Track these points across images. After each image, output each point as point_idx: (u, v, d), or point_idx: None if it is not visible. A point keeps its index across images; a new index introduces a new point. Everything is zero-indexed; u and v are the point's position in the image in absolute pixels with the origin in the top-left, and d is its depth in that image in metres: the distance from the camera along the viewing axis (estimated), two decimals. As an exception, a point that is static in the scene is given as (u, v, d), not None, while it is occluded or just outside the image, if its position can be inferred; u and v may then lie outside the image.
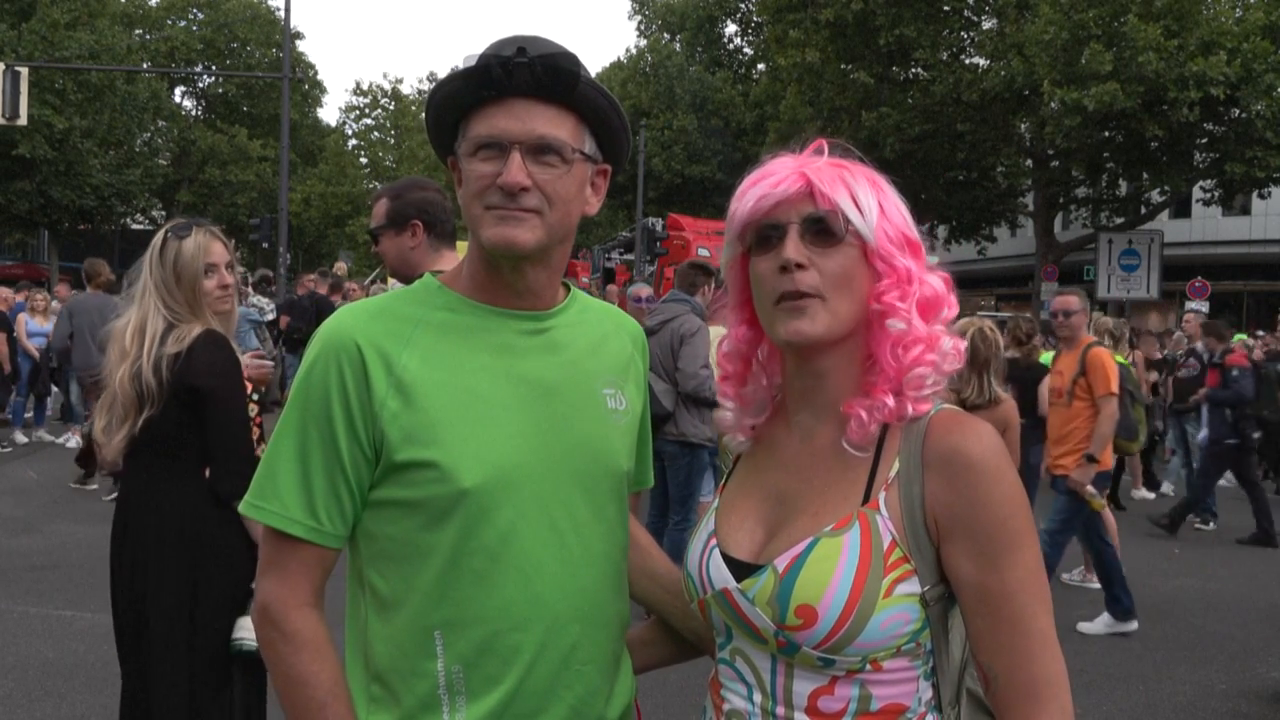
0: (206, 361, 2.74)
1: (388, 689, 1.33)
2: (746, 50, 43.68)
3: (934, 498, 1.18)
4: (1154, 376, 11.04)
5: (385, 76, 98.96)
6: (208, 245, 2.86)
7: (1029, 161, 23.81)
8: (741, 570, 1.25)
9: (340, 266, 17.24)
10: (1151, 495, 10.87)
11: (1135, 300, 21.21)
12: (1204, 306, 19.34)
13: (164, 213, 38.29)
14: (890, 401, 1.22)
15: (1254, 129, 18.41)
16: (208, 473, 2.78)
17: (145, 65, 36.34)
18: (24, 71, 19.02)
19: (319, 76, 50.26)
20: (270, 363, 3.65)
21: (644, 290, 7.59)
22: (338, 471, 1.31)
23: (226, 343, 2.85)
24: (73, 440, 10.85)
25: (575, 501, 1.38)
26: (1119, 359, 7.75)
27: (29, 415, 12.14)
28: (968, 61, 22.59)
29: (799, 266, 1.20)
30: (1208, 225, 29.60)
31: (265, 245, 22.29)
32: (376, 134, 52.92)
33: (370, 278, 19.42)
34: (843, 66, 23.07)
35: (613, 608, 1.43)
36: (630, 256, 19.81)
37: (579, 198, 1.37)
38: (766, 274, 1.24)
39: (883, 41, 21.20)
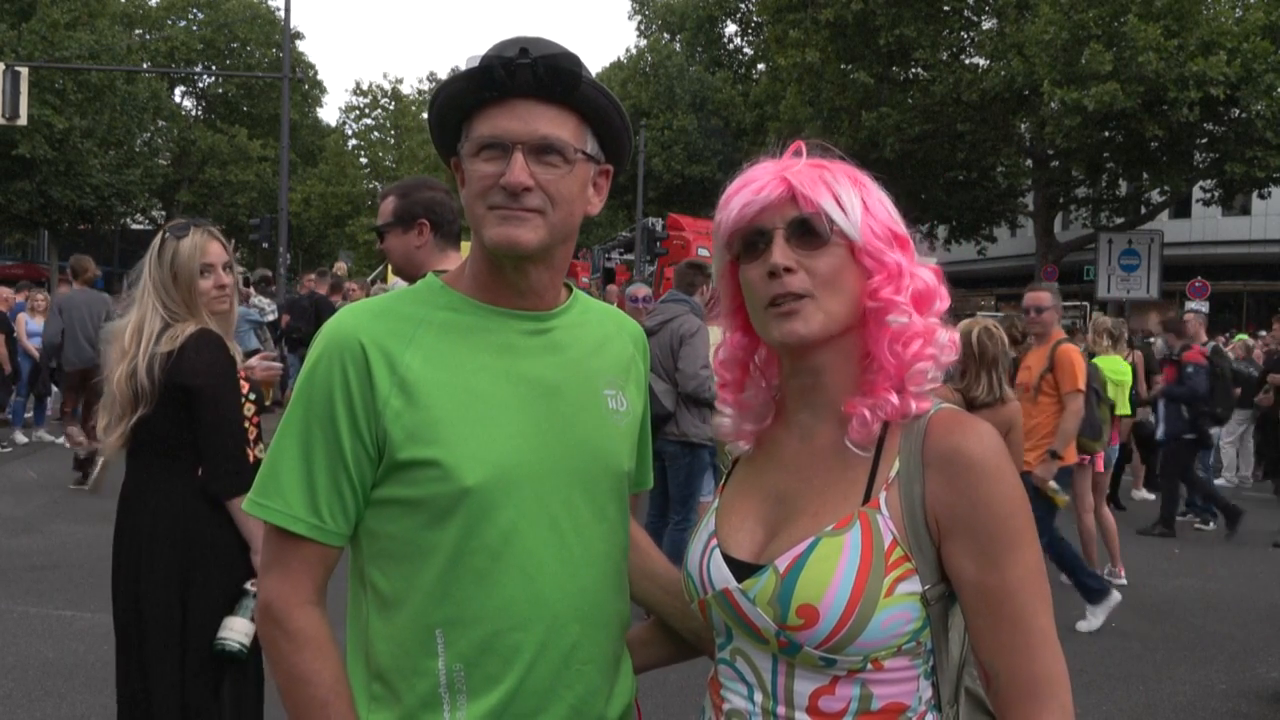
0: (198, 360, 2.74)
1: (389, 687, 1.33)
2: (746, 50, 43.68)
3: (935, 497, 1.19)
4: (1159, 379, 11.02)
5: (385, 76, 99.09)
6: (204, 245, 2.87)
7: (1029, 161, 23.83)
8: (742, 570, 1.25)
9: (340, 266, 17.23)
10: (1152, 496, 10.86)
11: (1135, 300, 21.20)
12: (1204, 306, 19.34)
13: (164, 213, 38.30)
14: (894, 399, 1.22)
15: (1254, 129, 18.41)
16: (200, 472, 2.78)
17: (145, 65, 36.33)
18: (24, 71, 19.03)
19: (319, 76, 50.29)
20: (279, 364, 3.67)
21: (641, 290, 7.60)
22: (340, 470, 1.31)
23: (220, 342, 2.85)
24: (68, 441, 10.83)
25: (576, 501, 1.38)
26: (1120, 360, 7.77)
27: (29, 415, 12.15)
28: (968, 61, 22.59)
29: (787, 270, 1.21)
30: (1208, 225, 29.62)
31: (265, 245, 22.30)
32: (376, 134, 52.90)
33: (371, 277, 19.42)
34: (843, 66, 23.07)
35: (613, 607, 1.43)
36: (630, 256, 19.81)
37: (581, 197, 1.37)
38: (756, 280, 1.25)
39: (883, 41, 21.20)
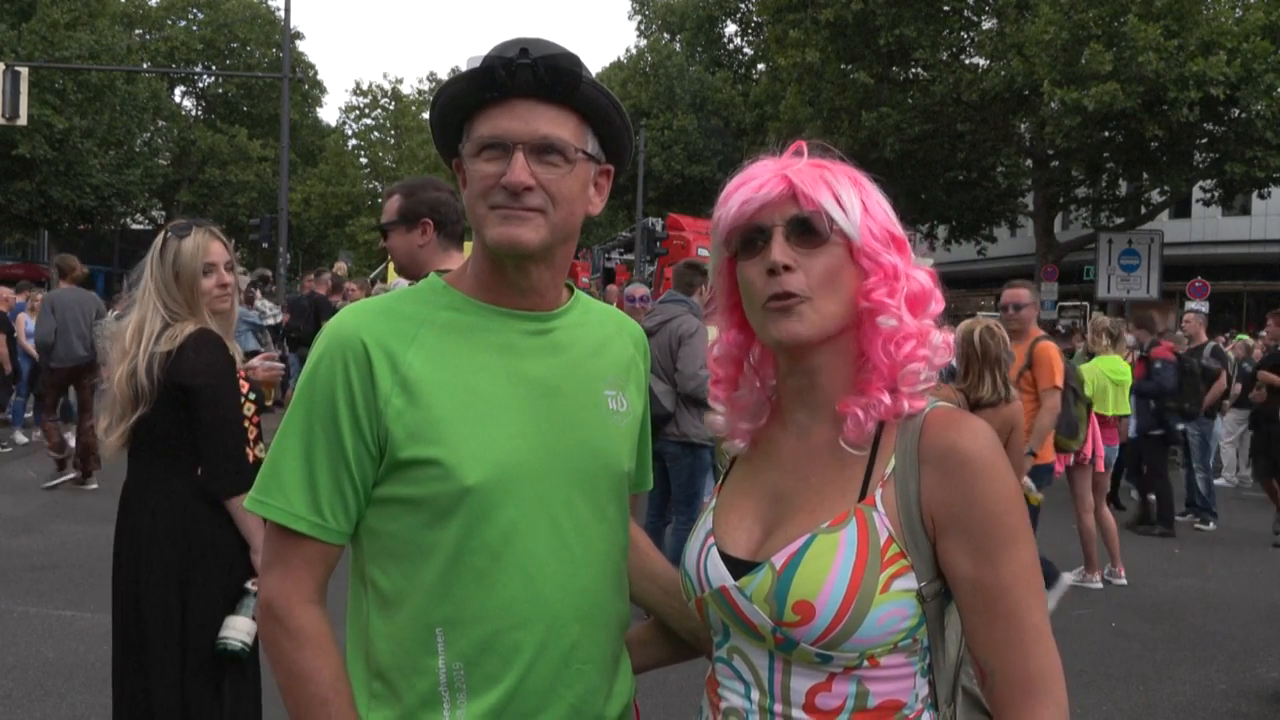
0: (197, 360, 2.75)
1: (389, 686, 1.34)
2: (746, 50, 43.69)
3: (930, 494, 1.19)
4: None
5: (385, 76, 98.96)
6: (206, 245, 2.88)
7: (1029, 161, 23.84)
8: (739, 568, 1.26)
9: (340, 266, 17.24)
10: (1152, 496, 10.86)
11: (1135, 300, 21.20)
12: (1204, 306, 19.30)
13: (164, 213, 38.32)
14: (886, 399, 1.23)
15: (1254, 129, 18.42)
16: (200, 471, 2.79)
17: (145, 65, 36.34)
18: (24, 71, 19.02)
19: (319, 76, 50.30)
20: (281, 365, 3.68)
21: (639, 290, 7.60)
22: (342, 468, 1.32)
23: (219, 342, 2.86)
24: (70, 441, 10.84)
25: (576, 501, 1.39)
26: (1120, 360, 7.77)
27: (29, 415, 12.15)
28: (968, 61, 22.60)
29: (786, 268, 1.21)
30: (1208, 225, 29.62)
31: (265, 245, 22.32)
32: (376, 134, 52.88)
33: (371, 276, 19.42)
34: (843, 66, 23.08)
35: (612, 607, 1.44)
36: (630, 256, 19.80)
37: (582, 197, 1.38)
38: (754, 277, 1.25)
39: (883, 41, 21.20)
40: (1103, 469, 7.24)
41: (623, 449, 1.48)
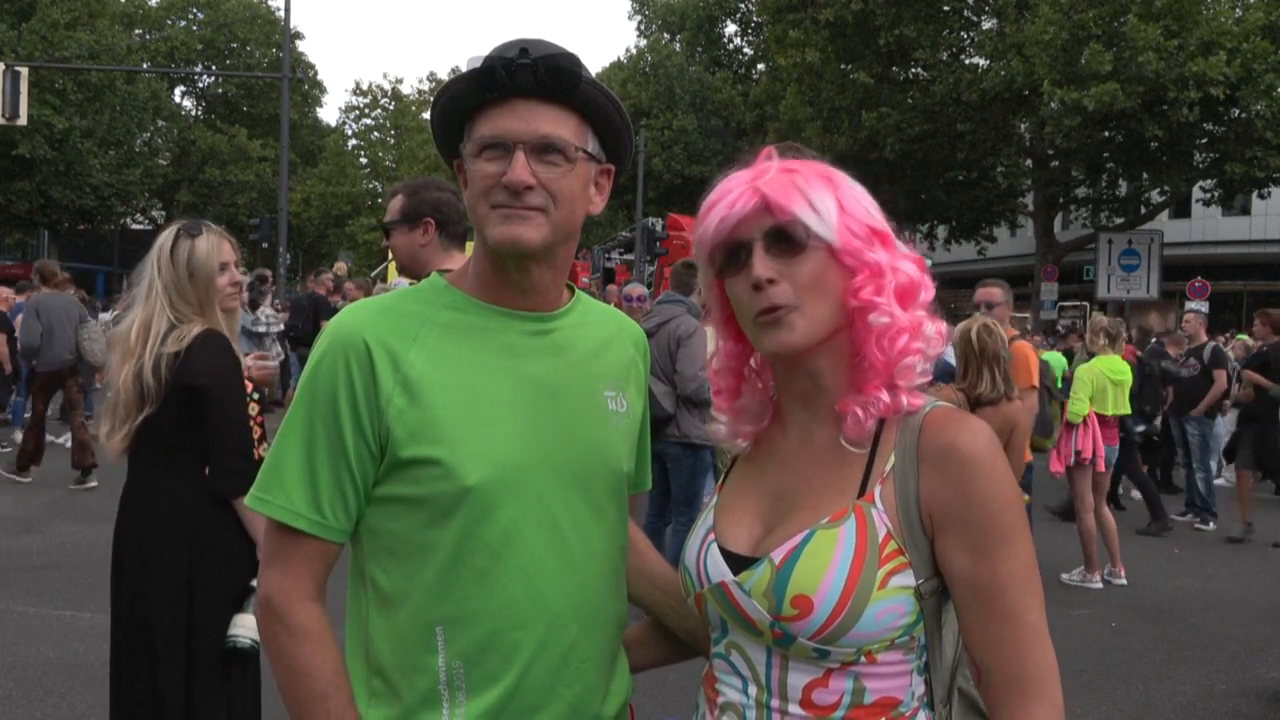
0: (204, 360, 2.75)
1: (388, 684, 1.34)
2: (746, 50, 43.71)
3: (929, 491, 1.20)
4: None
5: (385, 76, 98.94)
6: (220, 244, 2.89)
7: (1029, 161, 23.85)
8: (739, 564, 1.26)
9: (340, 266, 17.25)
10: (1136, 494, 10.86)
11: (1135, 300, 21.23)
12: (1204, 306, 19.33)
13: (164, 213, 38.36)
14: (885, 396, 1.23)
15: (1254, 129, 18.45)
16: (206, 471, 2.79)
17: (145, 65, 36.36)
18: (24, 71, 19.03)
19: (319, 76, 50.34)
20: (274, 363, 3.68)
21: (636, 289, 7.60)
22: (343, 466, 1.32)
23: (226, 342, 2.86)
24: (68, 441, 10.84)
25: (576, 501, 1.39)
26: (1119, 360, 7.76)
27: (28, 415, 12.13)
28: (968, 61, 22.62)
29: (770, 282, 1.21)
30: (1208, 225, 29.62)
31: (265, 245, 22.32)
32: (376, 134, 52.90)
33: (372, 275, 19.43)
34: (843, 66, 23.11)
35: (611, 607, 1.44)
36: (630, 256, 19.84)
37: (583, 196, 1.38)
38: (741, 293, 1.25)
39: (883, 41, 21.23)
40: (1103, 469, 7.24)
41: (622, 449, 1.48)
